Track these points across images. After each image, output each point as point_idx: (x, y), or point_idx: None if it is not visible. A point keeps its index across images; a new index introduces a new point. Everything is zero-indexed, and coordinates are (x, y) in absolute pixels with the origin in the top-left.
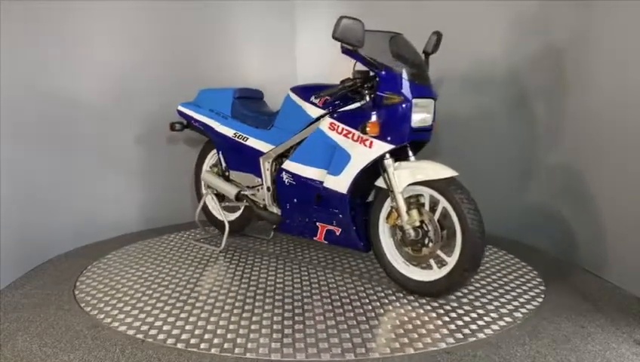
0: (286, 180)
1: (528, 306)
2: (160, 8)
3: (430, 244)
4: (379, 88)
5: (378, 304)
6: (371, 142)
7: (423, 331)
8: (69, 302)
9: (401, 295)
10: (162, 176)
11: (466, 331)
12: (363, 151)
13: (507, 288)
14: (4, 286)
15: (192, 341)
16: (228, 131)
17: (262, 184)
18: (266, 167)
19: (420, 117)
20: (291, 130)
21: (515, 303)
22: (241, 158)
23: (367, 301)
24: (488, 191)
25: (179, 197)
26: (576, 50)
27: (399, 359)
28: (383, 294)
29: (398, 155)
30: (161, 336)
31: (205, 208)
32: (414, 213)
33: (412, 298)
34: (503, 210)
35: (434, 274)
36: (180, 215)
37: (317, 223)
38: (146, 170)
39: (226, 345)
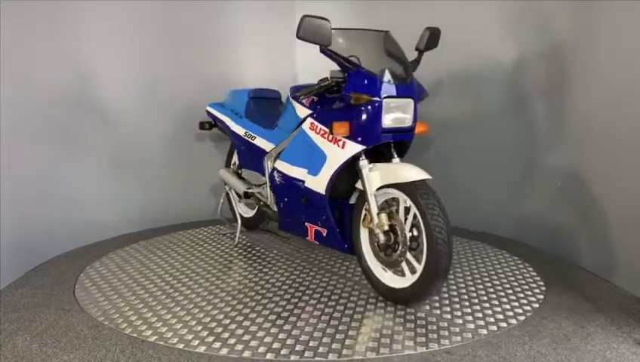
0: (277, 179)
1: (528, 306)
2: (160, 8)
3: (399, 249)
4: (345, 88)
5: (378, 304)
6: (344, 143)
7: (423, 331)
8: (69, 302)
9: None
10: (162, 176)
11: (466, 331)
12: (337, 151)
13: (507, 288)
14: (4, 286)
15: (192, 341)
16: (240, 130)
17: (267, 182)
18: (268, 165)
19: (392, 117)
20: (288, 130)
21: (515, 303)
22: (251, 157)
23: (367, 301)
24: (488, 191)
25: (179, 197)
26: (576, 50)
27: (399, 359)
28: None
29: (383, 156)
30: (161, 336)
31: (230, 204)
32: (383, 216)
33: None
34: (503, 209)
35: (405, 281)
36: (180, 215)
37: (305, 223)
38: (146, 170)
39: (225, 345)
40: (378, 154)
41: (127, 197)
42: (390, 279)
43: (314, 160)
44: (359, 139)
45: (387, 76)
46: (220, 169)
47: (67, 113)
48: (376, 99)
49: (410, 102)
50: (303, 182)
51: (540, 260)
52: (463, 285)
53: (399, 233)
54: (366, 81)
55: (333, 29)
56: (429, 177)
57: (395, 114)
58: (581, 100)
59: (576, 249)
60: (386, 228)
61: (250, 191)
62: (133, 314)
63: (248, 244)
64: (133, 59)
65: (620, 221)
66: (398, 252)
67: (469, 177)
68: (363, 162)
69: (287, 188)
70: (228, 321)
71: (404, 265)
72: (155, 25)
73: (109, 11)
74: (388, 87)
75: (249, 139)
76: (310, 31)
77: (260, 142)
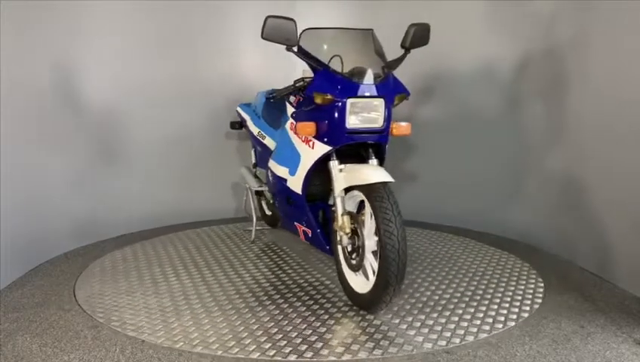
0: (270, 177)
1: (528, 306)
2: (161, 9)
3: (359, 253)
4: (308, 88)
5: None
6: (313, 143)
7: (423, 331)
8: (69, 302)
9: (403, 295)
10: (163, 176)
11: (466, 331)
12: (309, 151)
13: (507, 288)
14: (4, 286)
15: (193, 341)
16: (255, 130)
17: None
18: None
19: (358, 118)
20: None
21: (516, 303)
22: (263, 156)
23: None
24: (488, 191)
25: (179, 197)
26: (574, 51)
27: (399, 359)
28: None
29: (360, 157)
30: (161, 336)
31: (250, 201)
32: (346, 218)
33: (412, 298)
34: (503, 210)
35: (365, 286)
36: (180, 215)
37: (295, 223)
38: (146, 170)
39: (225, 345)
40: (360, 155)
41: (127, 197)
42: (356, 283)
43: (293, 159)
44: (325, 139)
45: (355, 76)
46: (241, 167)
47: (67, 113)
48: (341, 99)
49: (378, 102)
50: (286, 181)
51: (540, 260)
52: (463, 285)
53: (359, 236)
54: (329, 81)
55: (313, 28)
56: (390, 180)
57: (362, 114)
58: (580, 100)
59: (577, 249)
60: (348, 230)
61: (260, 189)
62: (133, 314)
63: (262, 243)
64: (133, 60)
65: (620, 221)
66: (359, 256)
67: (469, 177)
68: (332, 163)
69: (277, 187)
70: (228, 321)
71: (368, 269)
72: (156, 26)
73: (110, 11)
74: (353, 87)
75: (260, 139)
76: (274, 31)
77: (268, 141)
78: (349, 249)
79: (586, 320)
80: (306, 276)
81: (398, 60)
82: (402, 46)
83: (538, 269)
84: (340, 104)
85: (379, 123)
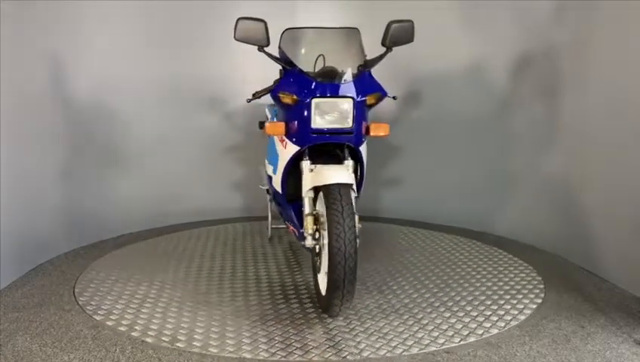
0: (266, 176)
1: (528, 306)
2: (161, 8)
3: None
4: (274, 89)
5: (378, 304)
6: (286, 143)
7: (423, 331)
8: (69, 302)
9: (403, 295)
10: (163, 176)
11: (466, 331)
12: (283, 151)
13: (507, 288)
14: (4, 286)
15: (193, 341)
16: None
17: None
18: None
19: (324, 118)
20: None
21: (515, 303)
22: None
23: (369, 302)
24: (488, 191)
25: (179, 197)
26: (573, 51)
27: (399, 359)
28: (382, 294)
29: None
30: (161, 336)
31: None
32: (310, 219)
33: (413, 298)
34: (503, 209)
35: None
36: (180, 215)
37: (286, 221)
38: (146, 170)
39: (226, 345)
40: (328, 154)
41: (127, 197)
42: (321, 285)
43: (275, 159)
44: (294, 140)
45: (321, 76)
46: (259, 166)
47: (67, 113)
48: (305, 99)
49: (345, 102)
50: (272, 179)
51: (539, 260)
52: (463, 285)
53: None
54: (296, 82)
55: (294, 28)
56: (346, 181)
57: (328, 115)
58: (579, 101)
59: (577, 249)
60: (310, 231)
61: (268, 188)
62: (133, 314)
63: (271, 243)
64: (133, 59)
65: (620, 221)
66: (320, 257)
67: (470, 177)
68: (303, 163)
69: (269, 185)
70: (229, 321)
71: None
72: (156, 25)
73: (110, 11)
74: (318, 87)
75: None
76: (245, 33)
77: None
78: (316, 250)
79: (586, 320)
80: (311, 275)
81: (377, 59)
82: (382, 44)
83: (538, 269)
84: (305, 104)
85: (346, 123)
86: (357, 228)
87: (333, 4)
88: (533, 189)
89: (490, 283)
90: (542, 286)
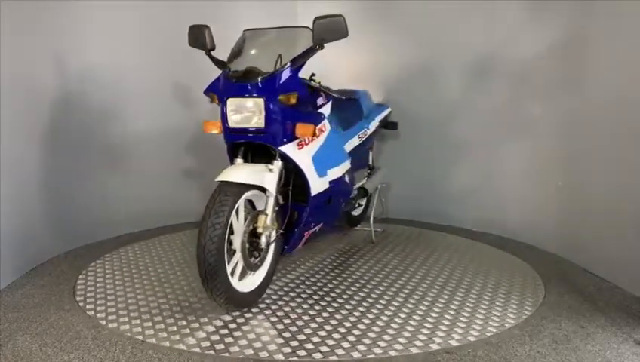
0: None
1: (528, 306)
2: (160, 7)
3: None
4: (206, 88)
5: (377, 305)
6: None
7: (423, 331)
8: (69, 302)
9: (402, 295)
10: (163, 176)
11: (466, 331)
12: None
13: (507, 288)
14: (4, 286)
15: (193, 341)
16: None
17: None
18: None
19: (236, 117)
20: None
21: (516, 303)
22: None
23: (368, 301)
24: (488, 191)
25: (180, 197)
26: (576, 50)
27: (399, 358)
28: (382, 294)
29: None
30: (161, 336)
31: None
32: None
33: (413, 298)
34: (503, 209)
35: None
36: (180, 215)
37: None
38: (146, 170)
39: (226, 345)
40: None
41: (127, 197)
42: None
43: None
44: (224, 138)
45: (235, 77)
46: None
47: (67, 113)
48: (222, 98)
49: (253, 101)
50: None
51: (539, 260)
52: (463, 285)
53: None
54: (218, 82)
55: (252, 29)
56: (238, 181)
57: (240, 114)
58: (580, 99)
59: (576, 249)
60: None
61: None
62: (133, 314)
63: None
64: (133, 59)
65: (620, 221)
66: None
67: (470, 178)
68: (236, 160)
69: None
70: (228, 321)
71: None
72: (155, 24)
73: (110, 11)
74: (230, 87)
75: None
76: (193, 38)
77: None
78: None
79: (586, 320)
80: (314, 276)
81: (300, 57)
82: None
83: (538, 269)
84: (222, 104)
85: (257, 123)
86: (246, 227)
87: (334, 4)
88: (533, 189)
89: (490, 283)
90: (542, 286)
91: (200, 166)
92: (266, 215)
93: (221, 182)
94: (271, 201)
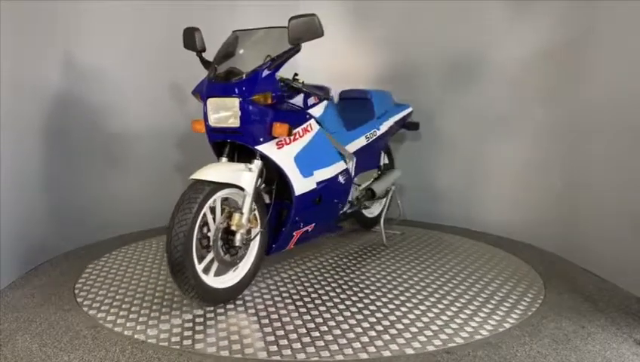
0: None
1: (528, 306)
2: (162, 8)
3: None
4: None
5: (378, 305)
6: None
7: (423, 331)
8: (69, 302)
9: (402, 295)
10: (163, 176)
11: (466, 331)
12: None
13: (507, 288)
14: (4, 286)
15: (193, 341)
16: None
17: None
18: None
19: (214, 117)
20: None
21: (515, 303)
22: None
23: (368, 301)
24: (489, 191)
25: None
26: (577, 50)
27: (399, 359)
28: (382, 294)
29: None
30: (161, 336)
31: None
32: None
33: (413, 298)
34: (503, 209)
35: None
36: None
37: None
38: (146, 170)
39: (226, 345)
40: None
41: (127, 197)
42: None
43: None
44: (207, 137)
45: (214, 77)
46: None
47: (67, 113)
48: (202, 98)
49: (229, 101)
50: None
51: (539, 260)
52: (463, 285)
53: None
54: (202, 82)
55: (242, 30)
56: (198, 178)
57: (217, 114)
58: (581, 98)
59: (577, 249)
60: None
61: None
62: (134, 315)
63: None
64: (133, 59)
65: (620, 221)
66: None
67: (470, 177)
68: (221, 158)
69: None
70: (229, 321)
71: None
72: (156, 25)
73: (110, 10)
74: (210, 87)
75: None
76: (186, 40)
77: None
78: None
79: (586, 320)
80: (315, 276)
81: (280, 57)
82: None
83: (538, 269)
84: (203, 103)
85: (233, 122)
86: (216, 225)
87: (336, 3)
88: (534, 189)
89: (490, 283)
90: (542, 286)
91: (200, 166)
92: (241, 213)
93: (194, 180)
94: (247, 200)
